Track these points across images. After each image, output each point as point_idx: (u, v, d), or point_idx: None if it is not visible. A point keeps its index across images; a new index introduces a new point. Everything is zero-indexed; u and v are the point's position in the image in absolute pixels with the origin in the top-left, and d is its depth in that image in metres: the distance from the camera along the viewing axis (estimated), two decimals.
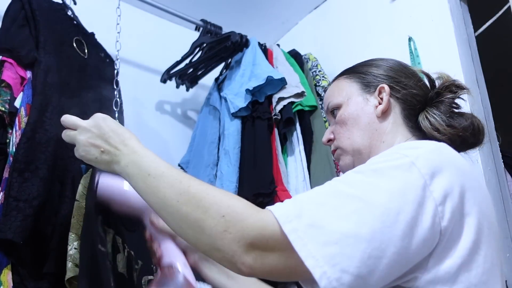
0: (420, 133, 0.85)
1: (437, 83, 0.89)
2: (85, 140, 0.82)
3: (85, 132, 0.83)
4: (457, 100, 0.87)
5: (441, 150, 0.71)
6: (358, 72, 0.93)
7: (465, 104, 1.32)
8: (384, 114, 0.86)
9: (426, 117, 0.84)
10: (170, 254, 0.90)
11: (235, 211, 0.63)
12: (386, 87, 0.87)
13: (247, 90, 1.57)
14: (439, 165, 0.66)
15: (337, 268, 0.56)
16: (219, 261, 0.65)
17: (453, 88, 0.86)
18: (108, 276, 1.04)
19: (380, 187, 0.62)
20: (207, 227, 0.63)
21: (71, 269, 1.02)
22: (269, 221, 0.61)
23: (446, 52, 1.50)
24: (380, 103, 0.86)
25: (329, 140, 0.93)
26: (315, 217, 0.60)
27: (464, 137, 0.82)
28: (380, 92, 0.87)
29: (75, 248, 1.05)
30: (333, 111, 0.92)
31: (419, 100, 0.86)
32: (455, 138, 0.81)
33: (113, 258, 1.11)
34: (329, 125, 0.96)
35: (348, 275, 0.56)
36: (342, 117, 0.89)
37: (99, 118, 0.84)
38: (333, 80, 0.98)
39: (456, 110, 0.85)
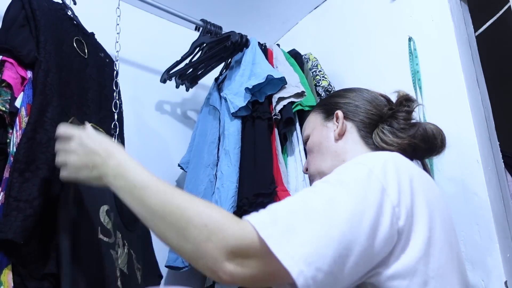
0: (378, 149, 0.92)
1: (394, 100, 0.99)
2: (74, 163, 0.87)
3: (72, 154, 0.88)
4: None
5: (394, 158, 0.77)
6: (322, 104, 1.05)
7: (463, 106, 1.33)
8: (341, 136, 0.96)
9: (377, 133, 0.93)
10: None
11: (217, 221, 0.66)
12: (340, 112, 0.98)
13: (247, 89, 1.57)
14: (393, 171, 0.73)
15: (312, 266, 0.60)
16: (201, 268, 0.67)
17: (404, 102, 0.95)
18: (113, 266, 1.04)
19: (345, 194, 0.68)
20: (190, 236, 0.66)
21: None
22: (248, 229, 0.64)
23: (446, 52, 1.50)
24: (337, 128, 0.97)
25: (307, 169, 1.05)
26: (289, 223, 0.64)
27: (414, 145, 0.90)
28: (337, 118, 0.98)
29: None
30: (306, 143, 1.04)
31: (374, 119, 0.96)
32: (404, 147, 0.89)
33: (117, 250, 1.11)
34: None
35: (322, 273, 0.61)
36: (309, 147, 1.02)
37: (82, 136, 0.88)
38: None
39: (411, 122, 0.93)
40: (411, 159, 0.87)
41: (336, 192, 0.68)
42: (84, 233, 1.02)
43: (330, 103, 1.03)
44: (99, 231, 1.04)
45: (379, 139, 0.91)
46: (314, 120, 1.04)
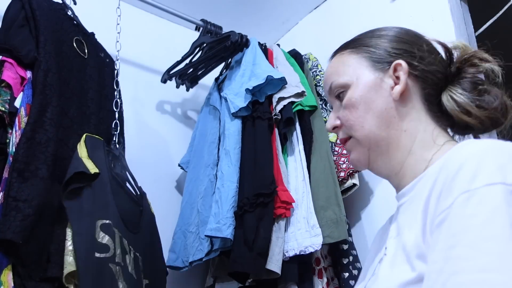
0: (443, 118, 0.73)
1: (455, 54, 0.77)
2: None
3: None
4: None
5: None
6: (366, 45, 0.77)
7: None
8: (402, 97, 0.72)
9: (452, 98, 0.71)
10: None
11: None
12: (404, 64, 0.72)
13: (247, 90, 1.57)
14: None
15: None
16: None
17: (476, 60, 0.73)
18: (114, 281, 1.04)
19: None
20: None
21: (71, 263, 1.03)
22: None
23: None
24: (396, 84, 0.72)
25: (335, 127, 0.78)
26: None
27: (494, 119, 0.70)
28: (395, 70, 0.73)
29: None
30: (339, 93, 0.77)
31: (439, 77, 0.73)
32: (486, 121, 0.69)
33: (123, 259, 1.12)
34: (330, 109, 0.80)
35: None
36: (352, 101, 0.74)
37: None
38: (334, 55, 0.83)
39: (481, 87, 0.71)
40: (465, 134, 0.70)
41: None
42: (80, 252, 1.03)
43: (380, 46, 0.75)
44: (94, 250, 1.06)
45: (456, 105, 0.69)
46: (357, 66, 0.76)
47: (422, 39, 0.77)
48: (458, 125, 0.73)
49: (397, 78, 0.73)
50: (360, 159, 0.75)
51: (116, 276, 1.07)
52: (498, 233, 0.47)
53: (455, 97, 0.71)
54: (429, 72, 0.73)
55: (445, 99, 0.72)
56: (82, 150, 1.17)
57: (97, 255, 1.05)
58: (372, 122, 0.72)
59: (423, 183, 0.65)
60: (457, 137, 0.78)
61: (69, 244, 1.05)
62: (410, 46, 0.75)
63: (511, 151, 0.54)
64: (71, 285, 1.03)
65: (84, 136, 1.22)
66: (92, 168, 1.14)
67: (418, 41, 0.76)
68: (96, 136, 1.26)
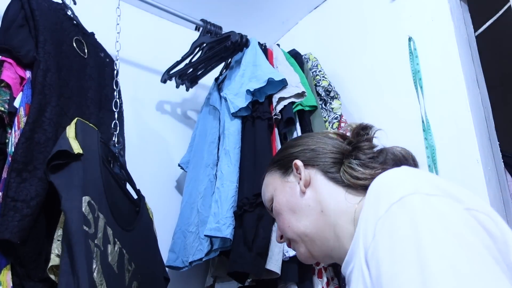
0: (351, 187, 0.82)
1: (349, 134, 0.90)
2: None
3: None
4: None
5: (417, 170, 0.68)
6: (275, 162, 0.94)
7: (463, 106, 1.30)
8: (308, 186, 0.85)
9: (345, 170, 0.83)
10: None
11: None
12: (298, 161, 0.87)
13: (248, 91, 1.57)
14: (432, 182, 0.65)
15: None
16: None
17: (361, 131, 0.87)
18: (90, 256, 1.01)
19: (462, 249, 0.52)
20: None
21: (53, 259, 1.02)
22: None
23: (446, 52, 1.50)
24: (300, 179, 0.86)
25: (281, 237, 0.92)
26: None
27: (386, 169, 0.77)
28: (296, 168, 0.87)
29: (58, 240, 1.04)
30: (271, 208, 0.92)
31: (337, 157, 0.86)
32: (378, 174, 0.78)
33: (103, 244, 1.10)
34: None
35: None
36: (276, 210, 0.89)
37: None
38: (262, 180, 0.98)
39: (375, 150, 0.84)
40: None
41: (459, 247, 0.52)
42: (69, 222, 1.01)
43: (284, 156, 0.92)
44: (82, 221, 1.03)
45: (349, 175, 0.81)
46: (272, 181, 0.93)
47: (316, 135, 0.93)
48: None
49: (300, 174, 0.86)
50: (303, 255, 0.86)
51: (93, 254, 1.02)
52: (433, 240, 0.52)
53: (347, 169, 0.82)
54: (325, 158, 0.86)
55: (341, 173, 0.83)
56: (70, 131, 1.14)
57: (85, 228, 1.02)
58: (293, 219, 0.85)
59: (356, 242, 0.70)
60: None
61: (54, 241, 1.04)
62: (304, 145, 0.90)
63: (400, 173, 0.66)
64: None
65: (75, 119, 1.18)
66: (77, 149, 1.09)
67: (312, 138, 0.92)
68: (91, 125, 1.23)
